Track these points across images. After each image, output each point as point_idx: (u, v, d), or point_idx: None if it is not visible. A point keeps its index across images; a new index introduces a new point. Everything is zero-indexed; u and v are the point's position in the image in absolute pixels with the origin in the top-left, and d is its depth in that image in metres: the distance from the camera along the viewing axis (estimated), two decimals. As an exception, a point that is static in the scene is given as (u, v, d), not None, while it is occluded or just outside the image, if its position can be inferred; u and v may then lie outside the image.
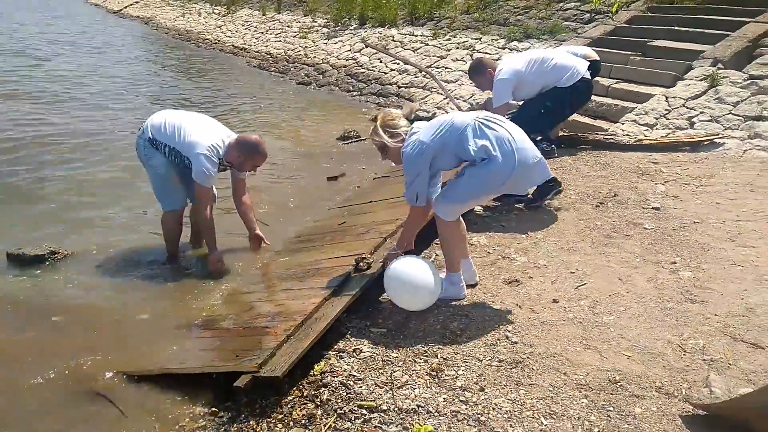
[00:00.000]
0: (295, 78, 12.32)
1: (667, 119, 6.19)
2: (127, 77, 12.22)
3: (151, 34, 21.78)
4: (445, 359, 2.72)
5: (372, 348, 2.87)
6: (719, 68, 6.56)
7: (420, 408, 2.40)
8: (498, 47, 9.81)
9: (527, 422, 2.29)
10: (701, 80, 6.52)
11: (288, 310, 3.19)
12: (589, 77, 4.74)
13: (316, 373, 2.74)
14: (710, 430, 2.21)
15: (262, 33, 16.99)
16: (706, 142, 5.62)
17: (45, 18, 24.66)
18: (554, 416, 2.31)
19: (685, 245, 3.72)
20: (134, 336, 3.39)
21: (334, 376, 2.67)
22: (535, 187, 4.26)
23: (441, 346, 2.82)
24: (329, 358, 2.83)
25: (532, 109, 4.61)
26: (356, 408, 2.44)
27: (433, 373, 2.62)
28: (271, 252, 4.38)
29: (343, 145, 7.52)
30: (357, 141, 7.61)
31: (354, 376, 2.66)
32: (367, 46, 12.14)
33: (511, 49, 9.50)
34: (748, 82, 6.16)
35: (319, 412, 2.48)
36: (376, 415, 2.39)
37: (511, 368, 2.63)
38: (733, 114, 5.88)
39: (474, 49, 10.10)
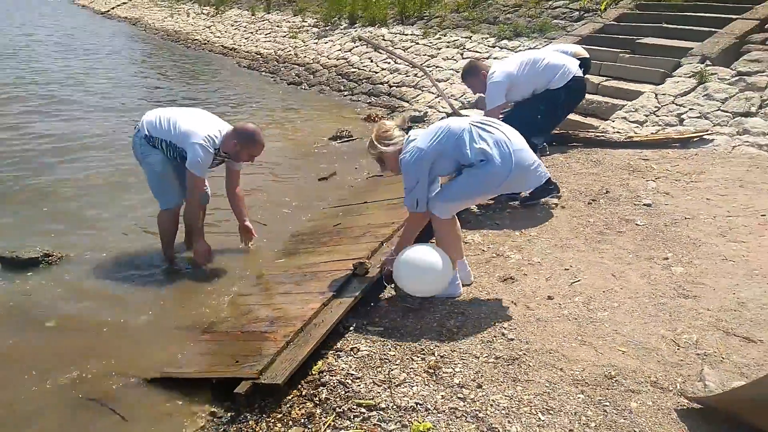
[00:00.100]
0: (285, 78, 12.30)
1: (657, 116, 6.25)
2: (116, 79, 12.15)
3: (140, 35, 21.64)
4: (442, 357, 2.74)
5: (369, 347, 2.89)
6: (707, 65, 6.63)
7: (418, 405, 2.41)
8: (488, 46, 9.84)
9: (525, 418, 2.31)
10: (690, 77, 6.58)
11: (287, 315, 3.20)
12: (582, 75, 4.77)
13: (314, 372, 2.75)
14: (705, 423, 2.24)
15: (252, 33, 16.95)
16: (695, 139, 5.68)
17: (32, 19, 24.46)
18: (551, 412, 2.34)
19: (677, 241, 3.76)
20: (131, 340, 3.35)
21: (332, 375, 2.68)
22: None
23: (438, 344, 2.84)
24: (327, 358, 2.84)
25: (527, 115, 4.63)
26: (355, 406, 2.46)
27: (431, 371, 2.64)
28: (267, 252, 4.38)
29: (336, 145, 7.52)
30: (349, 140, 7.61)
31: (352, 374, 2.67)
32: (361, 40, 12.12)
33: (501, 48, 9.54)
34: (736, 78, 6.22)
35: (318, 411, 2.49)
36: (374, 413, 2.40)
37: (508, 365, 2.65)
38: (722, 110, 5.94)
39: (464, 48, 10.13)
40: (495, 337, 2.88)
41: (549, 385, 2.50)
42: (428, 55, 10.44)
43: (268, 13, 18.03)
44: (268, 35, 16.10)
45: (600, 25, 8.89)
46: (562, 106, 4.82)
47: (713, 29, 7.30)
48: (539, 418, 2.30)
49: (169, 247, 4.22)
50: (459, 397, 2.45)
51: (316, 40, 13.90)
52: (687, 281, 3.28)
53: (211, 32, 18.87)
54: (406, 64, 10.28)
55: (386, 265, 3.30)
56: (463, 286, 3.35)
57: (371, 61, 11.37)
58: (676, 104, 6.29)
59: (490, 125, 3.06)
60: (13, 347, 3.27)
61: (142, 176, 4.17)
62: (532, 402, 2.40)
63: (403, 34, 11.91)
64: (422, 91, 9.38)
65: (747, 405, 2.14)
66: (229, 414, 2.66)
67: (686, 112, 6.12)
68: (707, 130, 5.72)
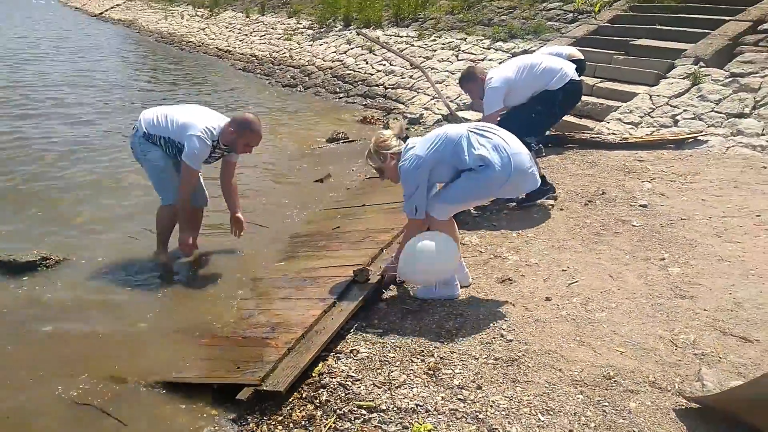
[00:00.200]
0: (281, 80, 12.30)
1: (652, 117, 6.29)
2: (111, 82, 12.12)
3: (134, 38, 21.60)
4: (441, 358, 2.75)
5: (369, 348, 2.90)
6: (701, 66, 6.67)
7: (419, 407, 2.42)
8: (483, 47, 9.88)
9: (524, 419, 2.32)
10: (684, 78, 6.62)
11: (287, 321, 3.21)
12: (578, 78, 4.79)
13: (314, 374, 2.76)
14: (703, 422, 2.26)
15: (247, 35, 16.95)
16: (690, 140, 5.72)
17: (24, 22, 24.36)
18: (551, 412, 2.35)
19: (673, 242, 3.79)
20: (130, 344, 3.31)
21: (332, 378, 2.69)
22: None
23: (437, 346, 2.85)
24: (327, 360, 2.85)
25: (523, 115, 4.65)
26: (355, 408, 2.47)
27: (431, 372, 2.65)
28: (267, 254, 4.38)
29: (332, 147, 7.53)
30: (345, 142, 7.62)
31: (352, 376, 2.68)
32: (361, 35, 12.12)
33: (496, 50, 9.58)
34: (730, 79, 6.27)
35: (319, 414, 2.50)
36: (375, 414, 2.41)
37: (507, 366, 2.66)
38: (716, 111, 5.98)
39: (459, 50, 10.16)
40: (494, 338, 2.89)
41: (548, 385, 2.51)
42: (423, 57, 10.47)
43: (263, 15, 18.04)
44: (262, 37, 16.10)
45: (594, 26, 8.94)
46: (559, 106, 4.84)
47: (706, 31, 7.34)
48: (539, 419, 2.32)
49: (164, 240, 4.21)
50: (459, 399, 2.46)
51: (311, 42, 13.92)
52: (684, 282, 3.31)
53: (206, 34, 18.86)
54: (407, 63, 10.25)
55: (387, 272, 3.32)
56: (462, 287, 3.37)
57: (366, 63, 11.39)
58: (671, 105, 6.33)
59: (488, 130, 3.10)
60: (9, 352, 3.22)
61: (140, 178, 4.15)
62: (531, 403, 2.41)
63: (398, 36, 11.93)
64: (418, 92, 9.41)
65: (744, 404, 2.16)
66: (229, 416, 2.66)
67: (680, 113, 6.16)
68: (701, 132, 5.76)
